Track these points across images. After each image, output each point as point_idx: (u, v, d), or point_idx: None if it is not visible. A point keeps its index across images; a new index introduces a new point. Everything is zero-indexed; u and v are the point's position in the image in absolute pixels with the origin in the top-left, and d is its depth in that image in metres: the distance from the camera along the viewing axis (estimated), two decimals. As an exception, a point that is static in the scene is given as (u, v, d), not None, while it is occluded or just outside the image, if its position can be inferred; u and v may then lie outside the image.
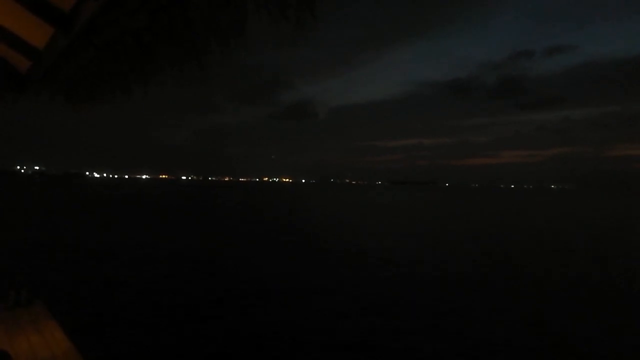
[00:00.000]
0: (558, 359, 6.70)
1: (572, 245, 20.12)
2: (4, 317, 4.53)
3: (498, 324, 8.14)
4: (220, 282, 10.78)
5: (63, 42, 2.43)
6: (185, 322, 7.62)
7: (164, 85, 2.50)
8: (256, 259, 14.14)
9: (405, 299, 9.68)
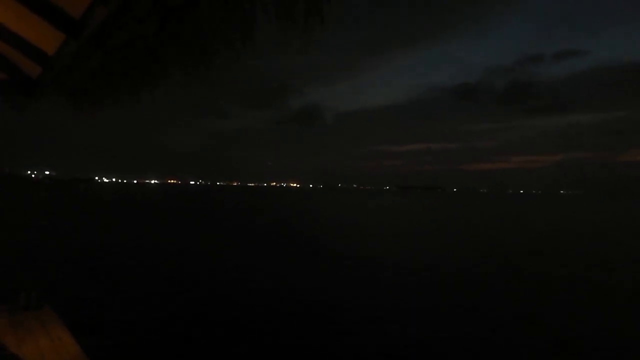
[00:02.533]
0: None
1: (575, 248, 19.92)
2: (14, 320, 4.57)
3: (498, 325, 8.08)
4: (223, 283, 10.81)
5: (73, 47, 2.46)
6: (193, 325, 7.64)
7: (172, 90, 2.53)
8: (258, 260, 14.15)
9: (404, 301, 9.64)
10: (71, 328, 4.46)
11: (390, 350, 6.87)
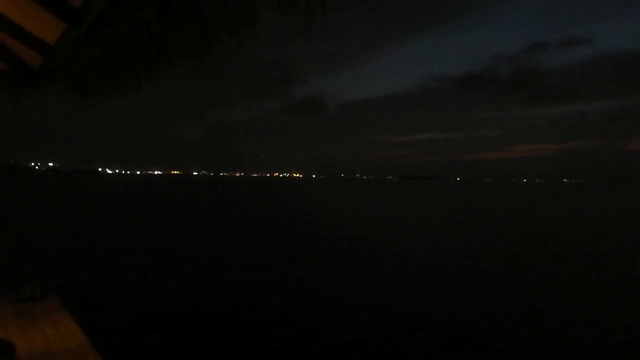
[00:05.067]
0: (557, 356, 6.63)
1: (575, 240, 19.91)
2: (20, 310, 4.64)
3: (498, 320, 8.10)
4: (227, 275, 10.89)
5: (74, 36, 2.43)
6: (194, 318, 7.71)
7: (174, 79, 2.50)
8: (266, 252, 14.25)
9: (403, 295, 9.69)
10: (76, 317, 4.53)
11: (387, 346, 6.92)
